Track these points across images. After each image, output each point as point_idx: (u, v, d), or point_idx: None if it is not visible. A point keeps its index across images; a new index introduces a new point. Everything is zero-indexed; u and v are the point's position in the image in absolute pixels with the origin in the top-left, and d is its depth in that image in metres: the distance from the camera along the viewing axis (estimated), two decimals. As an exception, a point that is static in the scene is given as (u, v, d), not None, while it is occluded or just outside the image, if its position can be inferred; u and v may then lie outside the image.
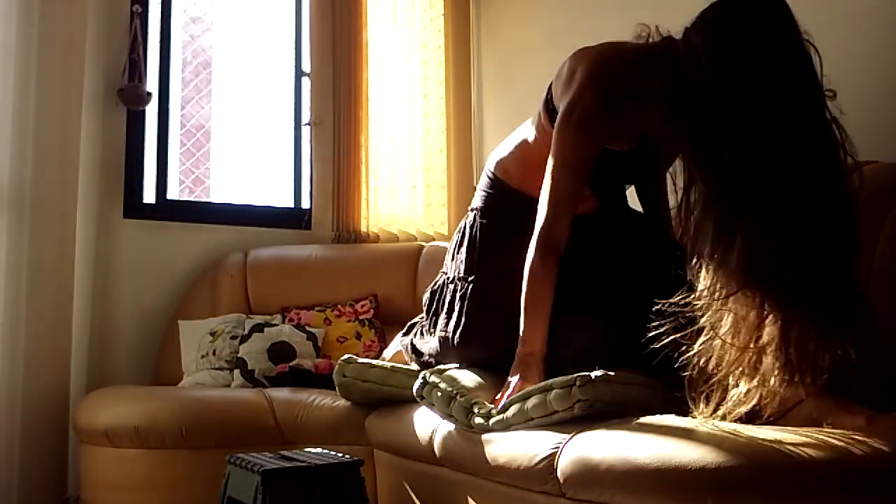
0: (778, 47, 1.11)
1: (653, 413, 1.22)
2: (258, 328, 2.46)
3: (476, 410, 1.40)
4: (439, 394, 1.47)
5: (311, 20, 2.97)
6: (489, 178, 1.66)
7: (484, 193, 1.66)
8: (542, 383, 1.31)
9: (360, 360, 1.87)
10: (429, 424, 1.56)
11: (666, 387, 1.33)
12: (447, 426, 1.49)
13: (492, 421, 1.36)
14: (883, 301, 1.35)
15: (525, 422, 1.31)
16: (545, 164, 1.43)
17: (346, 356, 1.89)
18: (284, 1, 3.13)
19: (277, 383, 2.29)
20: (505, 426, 1.34)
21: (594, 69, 1.40)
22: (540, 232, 1.40)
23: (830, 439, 0.99)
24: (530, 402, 1.31)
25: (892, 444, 0.96)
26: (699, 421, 1.10)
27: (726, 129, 1.07)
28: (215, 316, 2.58)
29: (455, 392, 1.44)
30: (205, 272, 2.74)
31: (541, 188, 1.42)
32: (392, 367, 1.80)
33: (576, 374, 1.26)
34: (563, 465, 1.15)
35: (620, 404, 1.26)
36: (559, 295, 1.40)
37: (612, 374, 1.27)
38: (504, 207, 1.60)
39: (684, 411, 1.15)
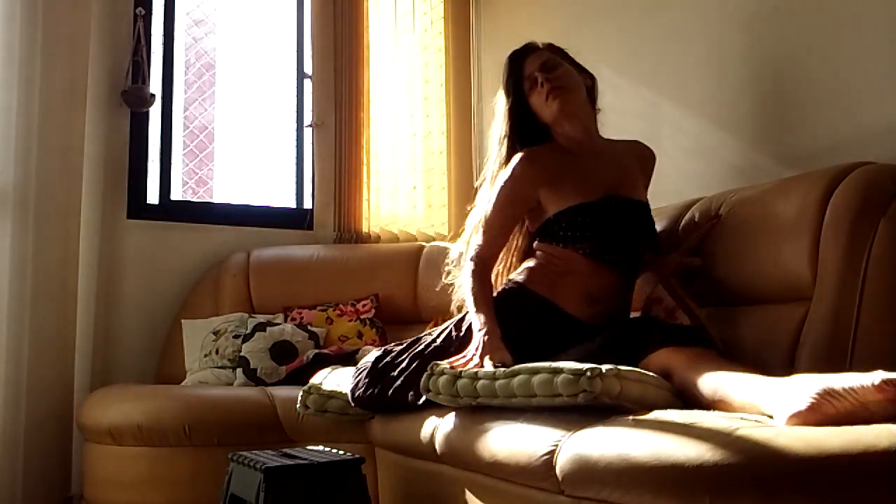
0: None
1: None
2: (261, 327, 2.48)
3: (480, 375, 1.41)
4: (443, 379, 1.46)
5: (312, 23, 2.99)
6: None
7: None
8: (553, 364, 1.30)
9: (323, 386, 1.88)
10: (430, 422, 1.57)
11: (670, 387, 1.35)
12: (448, 423, 1.51)
13: (497, 383, 1.35)
14: (879, 300, 1.37)
15: (528, 396, 1.31)
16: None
17: (307, 385, 1.90)
18: (286, 4, 3.14)
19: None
20: (508, 395, 1.34)
21: None
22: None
23: (830, 436, 1.00)
24: (537, 379, 1.30)
25: (891, 443, 0.97)
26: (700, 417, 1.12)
27: None
28: (218, 315, 2.59)
29: (460, 371, 1.46)
30: (208, 272, 2.76)
31: None
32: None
33: (588, 365, 1.26)
34: (562, 463, 1.16)
35: (629, 400, 1.26)
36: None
37: (623, 369, 1.27)
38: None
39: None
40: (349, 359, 2.21)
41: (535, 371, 1.32)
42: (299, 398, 1.90)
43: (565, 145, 1.71)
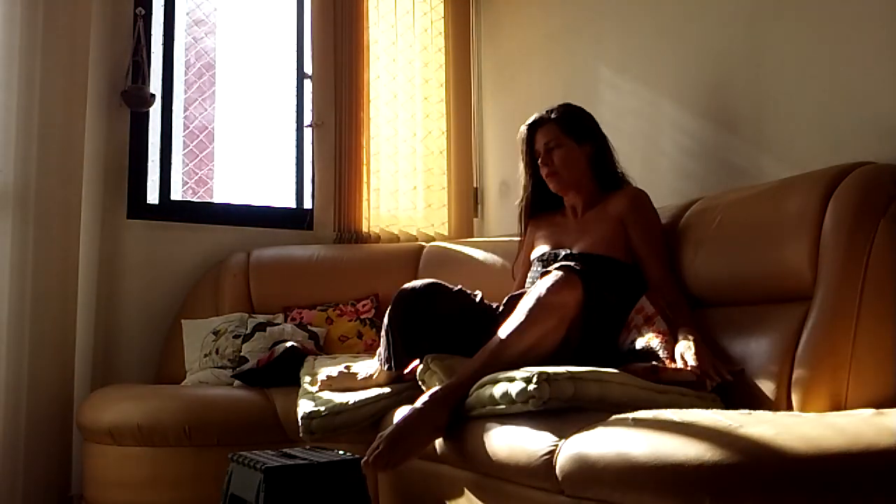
0: None
1: (628, 410, 1.24)
2: (260, 327, 2.48)
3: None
4: (435, 376, 1.53)
5: (312, 23, 2.99)
6: None
7: None
8: (511, 373, 1.35)
9: (323, 408, 1.83)
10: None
11: (645, 382, 1.36)
12: (448, 424, 1.51)
13: (475, 393, 1.41)
14: (879, 300, 1.37)
15: (493, 405, 1.36)
16: None
17: (307, 412, 1.84)
18: (287, 4, 3.14)
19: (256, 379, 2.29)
20: (483, 404, 1.39)
21: None
22: None
23: (830, 436, 1.00)
24: (497, 388, 1.34)
25: (892, 441, 0.97)
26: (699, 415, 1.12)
27: None
28: (218, 315, 2.59)
29: (445, 379, 1.50)
30: (208, 272, 2.76)
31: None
32: (355, 402, 1.82)
33: (537, 370, 1.28)
34: (562, 463, 1.16)
35: (587, 401, 1.27)
36: None
37: (576, 370, 1.29)
38: None
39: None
40: (270, 371, 2.23)
41: (496, 381, 1.35)
42: (301, 426, 1.83)
43: (567, 211, 1.99)
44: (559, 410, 1.29)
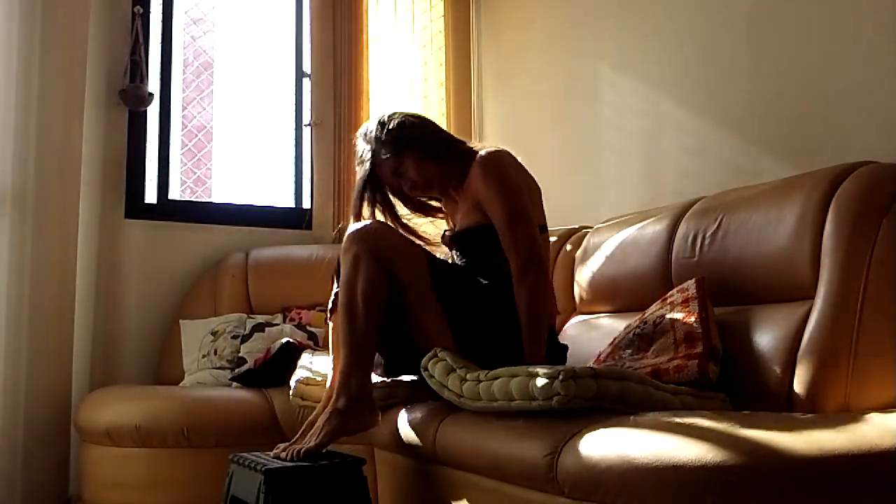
0: None
1: (646, 409, 1.23)
2: (259, 328, 2.47)
3: (469, 378, 1.43)
4: (440, 365, 1.50)
5: (311, 21, 2.98)
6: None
7: None
8: (531, 368, 1.32)
9: (320, 378, 1.86)
10: (430, 423, 1.57)
11: (658, 384, 1.35)
12: (449, 424, 1.50)
13: (481, 385, 1.39)
14: (881, 300, 1.37)
15: (508, 401, 1.33)
16: None
17: (302, 377, 1.87)
18: (285, 2, 3.14)
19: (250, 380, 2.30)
20: (490, 398, 1.37)
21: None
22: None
23: (832, 437, 1.00)
24: (514, 382, 1.31)
25: (894, 442, 0.97)
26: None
27: None
28: (216, 315, 2.59)
29: (455, 366, 1.48)
30: (206, 272, 2.75)
31: None
32: None
33: (561, 367, 1.27)
34: (564, 464, 1.16)
35: (608, 400, 1.26)
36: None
37: (598, 368, 1.28)
38: None
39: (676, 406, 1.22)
40: (267, 371, 2.24)
41: (514, 374, 1.33)
42: (293, 390, 1.87)
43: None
44: (559, 411, 1.28)
